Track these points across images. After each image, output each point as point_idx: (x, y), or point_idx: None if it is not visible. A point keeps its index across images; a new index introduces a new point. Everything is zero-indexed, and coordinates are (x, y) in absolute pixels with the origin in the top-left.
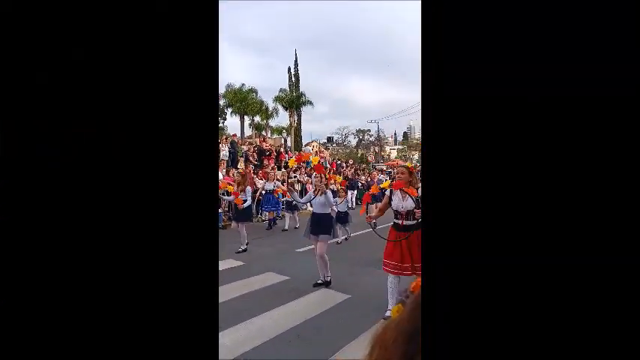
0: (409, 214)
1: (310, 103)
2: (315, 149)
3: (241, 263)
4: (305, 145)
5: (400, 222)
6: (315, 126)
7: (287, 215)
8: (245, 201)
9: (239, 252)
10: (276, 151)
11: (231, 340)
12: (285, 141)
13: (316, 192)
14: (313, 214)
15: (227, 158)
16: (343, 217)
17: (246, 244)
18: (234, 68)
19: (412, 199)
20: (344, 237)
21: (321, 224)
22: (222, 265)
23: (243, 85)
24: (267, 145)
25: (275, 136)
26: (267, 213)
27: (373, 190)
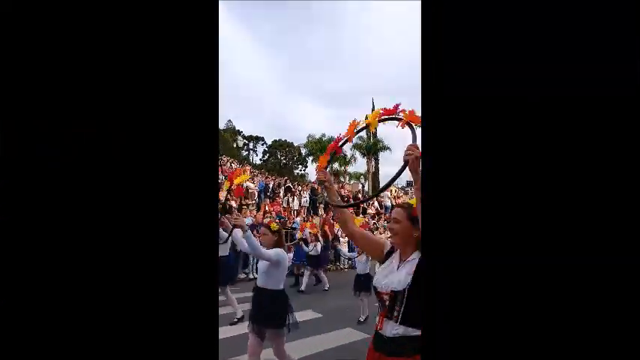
0: (397, 299)
1: (388, 148)
2: (394, 194)
3: (319, 315)
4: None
5: (379, 323)
6: (394, 170)
7: (306, 272)
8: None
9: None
10: (353, 197)
11: None
12: (363, 186)
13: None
14: (255, 287)
15: (307, 205)
16: (364, 282)
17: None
18: (316, 120)
19: (408, 270)
20: (364, 316)
21: (267, 309)
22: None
23: (323, 134)
24: (346, 191)
25: (353, 181)
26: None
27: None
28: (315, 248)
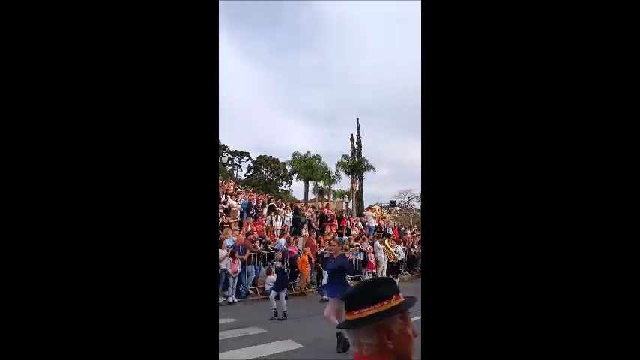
0: None
1: (372, 168)
2: (378, 214)
3: (299, 346)
4: (366, 210)
5: None
6: (378, 189)
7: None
8: None
9: None
10: (337, 217)
11: None
12: (347, 205)
13: None
14: None
15: (291, 224)
16: None
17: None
18: (301, 137)
19: None
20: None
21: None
22: (278, 347)
23: (308, 152)
24: (329, 211)
25: (337, 199)
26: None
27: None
28: None
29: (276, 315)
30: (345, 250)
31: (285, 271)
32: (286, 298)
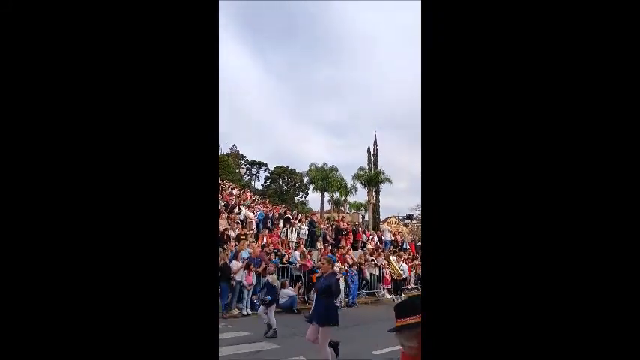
0: None
1: (389, 180)
2: (394, 227)
3: None
4: (382, 222)
5: None
6: (395, 201)
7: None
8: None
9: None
10: (353, 230)
11: None
12: (363, 217)
13: None
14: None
15: (306, 237)
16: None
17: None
18: (318, 149)
19: None
20: None
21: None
22: None
23: (325, 164)
24: (345, 224)
25: (353, 211)
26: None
27: None
28: None
29: (269, 330)
30: (361, 264)
31: (275, 285)
32: (299, 311)
